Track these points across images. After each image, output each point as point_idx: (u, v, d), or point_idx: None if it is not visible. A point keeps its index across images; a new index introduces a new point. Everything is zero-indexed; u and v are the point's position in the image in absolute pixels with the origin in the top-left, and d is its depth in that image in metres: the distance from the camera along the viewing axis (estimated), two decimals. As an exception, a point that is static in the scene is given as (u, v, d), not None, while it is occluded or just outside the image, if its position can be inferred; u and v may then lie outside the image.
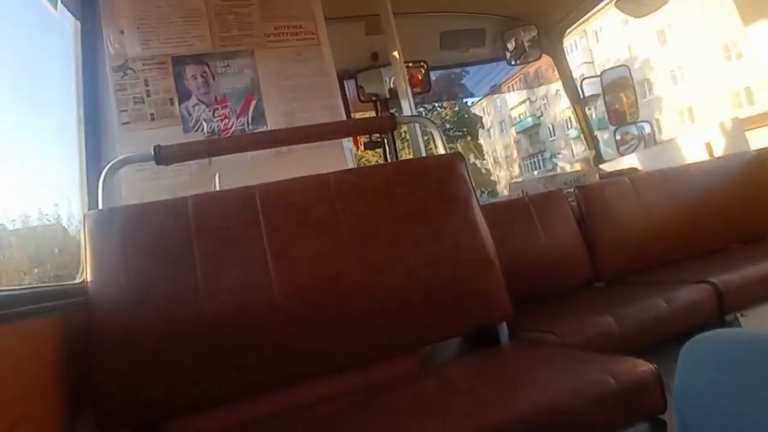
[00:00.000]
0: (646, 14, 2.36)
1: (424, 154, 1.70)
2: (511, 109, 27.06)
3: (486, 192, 15.44)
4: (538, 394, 0.80)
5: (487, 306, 1.16)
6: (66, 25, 1.29)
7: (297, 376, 1.05)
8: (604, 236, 1.64)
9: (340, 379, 1.07)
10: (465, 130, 20.11)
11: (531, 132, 26.42)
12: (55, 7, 1.26)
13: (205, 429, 0.98)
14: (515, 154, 27.34)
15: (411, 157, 1.80)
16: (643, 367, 0.84)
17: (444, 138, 1.39)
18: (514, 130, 27.16)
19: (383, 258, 1.12)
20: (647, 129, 2.50)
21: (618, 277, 1.63)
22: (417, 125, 1.69)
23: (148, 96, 1.30)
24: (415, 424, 0.79)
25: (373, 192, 1.17)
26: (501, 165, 26.69)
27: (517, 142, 27.18)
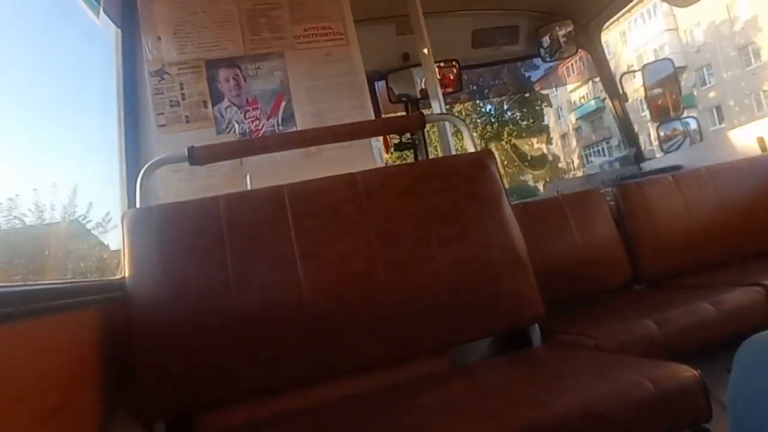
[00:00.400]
0: (692, 3, 2.25)
1: (454, 154, 1.68)
2: (570, 92, 22.91)
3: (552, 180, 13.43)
4: (571, 397, 0.77)
5: (518, 306, 1.13)
6: (107, 34, 1.36)
7: (325, 373, 1.05)
8: (645, 236, 1.57)
9: (368, 378, 1.07)
10: (525, 110, 17.05)
11: (594, 117, 22.54)
12: (98, 16, 1.33)
13: (235, 423, 1.00)
14: (574, 144, 23.93)
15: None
16: (686, 372, 0.79)
17: (473, 136, 1.37)
18: (574, 116, 23.49)
19: (411, 257, 1.11)
20: (693, 125, 2.38)
21: (660, 279, 1.55)
22: (447, 124, 1.67)
23: (183, 99, 1.35)
24: (442, 425, 0.77)
25: (401, 191, 1.16)
26: (558, 158, 22.47)
27: (576, 129, 23.54)
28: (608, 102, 2.58)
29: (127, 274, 1.03)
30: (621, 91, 2.51)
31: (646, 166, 2.42)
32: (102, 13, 1.29)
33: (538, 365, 1.06)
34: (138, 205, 1.15)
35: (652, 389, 0.76)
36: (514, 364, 1.07)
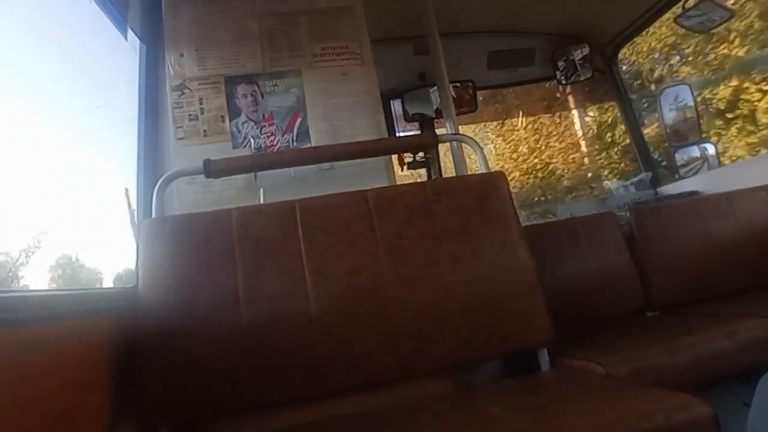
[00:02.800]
0: (710, 29, 2.25)
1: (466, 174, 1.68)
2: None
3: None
4: (577, 426, 0.75)
5: (526, 329, 1.12)
6: (133, 49, 1.41)
7: (330, 388, 1.05)
8: (659, 262, 1.54)
9: (372, 396, 1.06)
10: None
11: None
12: (125, 33, 1.38)
13: None
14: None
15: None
16: (698, 405, 0.77)
17: (485, 156, 1.37)
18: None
19: (420, 274, 1.11)
20: (711, 150, 2.34)
21: (673, 306, 1.52)
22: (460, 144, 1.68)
23: (202, 113, 1.38)
24: None
25: (411, 209, 1.17)
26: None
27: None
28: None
29: (139, 282, 1.05)
30: (638, 115, 2.50)
31: (663, 191, 2.39)
32: (129, 31, 1.34)
33: (545, 391, 1.04)
34: (153, 216, 1.17)
35: (662, 421, 0.74)
36: (521, 389, 1.05)
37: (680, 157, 2.36)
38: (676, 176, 2.33)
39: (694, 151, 2.34)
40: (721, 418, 0.76)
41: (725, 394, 0.85)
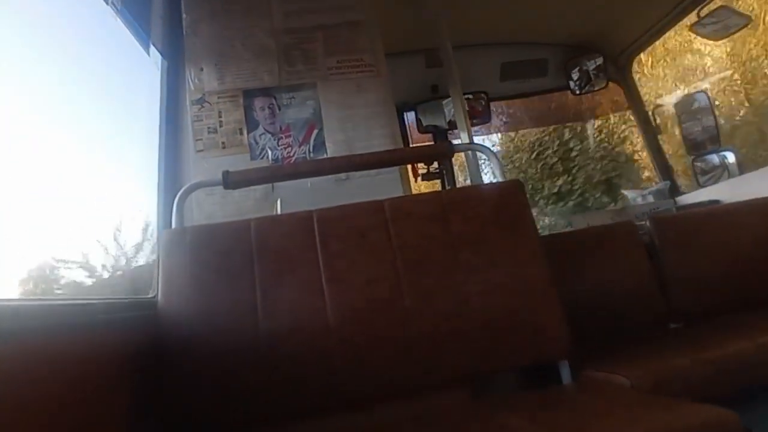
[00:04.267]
0: (726, 36, 2.23)
1: (482, 183, 1.68)
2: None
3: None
4: None
5: (544, 340, 1.10)
6: (155, 65, 1.45)
7: (348, 398, 1.04)
8: (680, 272, 1.50)
9: (390, 406, 1.06)
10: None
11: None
12: (148, 50, 1.43)
13: None
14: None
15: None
16: (728, 418, 0.74)
17: (502, 165, 1.37)
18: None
19: (437, 284, 1.11)
20: (731, 158, 2.30)
21: (696, 317, 1.48)
22: (475, 154, 1.68)
23: (221, 126, 1.41)
24: None
25: (427, 218, 1.17)
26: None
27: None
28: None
29: (159, 292, 1.06)
30: (654, 123, 2.47)
31: (682, 200, 2.35)
32: (151, 47, 1.39)
33: (567, 404, 1.02)
34: (174, 226, 1.19)
35: None
36: (542, 402, 1.03)
37: (699, 165, 2.33)
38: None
39: (714, 160, 2.30)
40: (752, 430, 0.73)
41: (752, 404, 0.82)
